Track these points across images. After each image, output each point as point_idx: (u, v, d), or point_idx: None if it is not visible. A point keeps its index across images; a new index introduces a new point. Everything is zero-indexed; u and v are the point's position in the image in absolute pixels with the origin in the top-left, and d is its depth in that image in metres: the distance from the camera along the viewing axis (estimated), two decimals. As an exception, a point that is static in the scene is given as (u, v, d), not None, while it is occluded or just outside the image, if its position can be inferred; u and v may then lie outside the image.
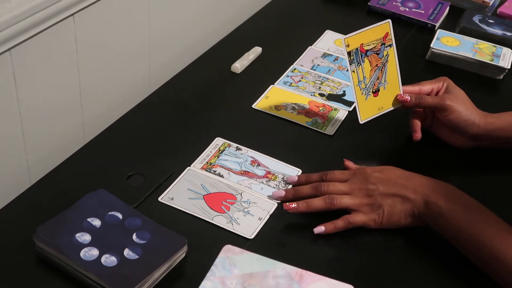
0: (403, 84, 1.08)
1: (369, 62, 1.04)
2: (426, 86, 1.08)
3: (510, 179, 1.07)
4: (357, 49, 1.03)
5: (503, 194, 1.03)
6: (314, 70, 1.28)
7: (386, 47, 1.05)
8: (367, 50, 1.03)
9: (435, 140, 1.11)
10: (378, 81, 1.05)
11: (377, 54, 1.05)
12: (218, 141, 1.07)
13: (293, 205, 0.93)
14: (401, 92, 1.07)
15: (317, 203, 0.94)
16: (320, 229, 0.92)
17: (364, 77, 1.04)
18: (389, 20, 1.05)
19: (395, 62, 1.07)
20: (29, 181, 1.06)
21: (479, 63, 1.31)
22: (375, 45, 1.04)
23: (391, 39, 1.05)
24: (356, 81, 1.04)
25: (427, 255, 0.93)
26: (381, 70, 1.05)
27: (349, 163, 1.02)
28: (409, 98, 1.05)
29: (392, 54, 1.06)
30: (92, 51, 1.10)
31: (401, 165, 0.99)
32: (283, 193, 0.96)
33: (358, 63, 1.03)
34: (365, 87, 1.04)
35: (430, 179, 0.93)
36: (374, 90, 1.06)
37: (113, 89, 1.20)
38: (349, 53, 1.02)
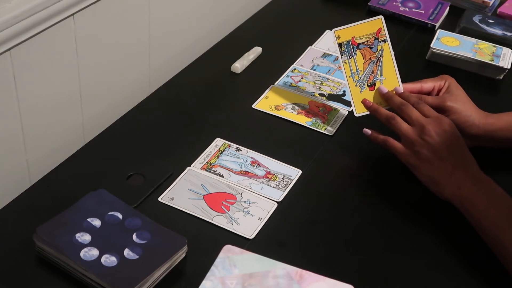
0: (403, 82, 1.08)
1: (362, 55, 1.07)
2: (428, 84, 1.08)
3: (510, 178, 1.07)
4: (348, 41, 1.06)
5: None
6: (314, 70, 1.28)
7: (380, 42, 1.07)
8: (359, 43, 1.06)
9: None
10: (373, 75, 1.07)
11: (371, 48, 1.07)
12: (218, 142, 1.07)
13: (370, 103, 1.05)
14: (401, 87, 1.07)
15: (383, 112, 1.02)
16: (367, 131, 1.04)
17: (357, 69, 1.06)
18: (381, 16, 1.07)
19: (391, 58, 1.08)
20: (29, 181, 1.06)
21: (479, 63, 1.31)
22: (367, 39, 1.07)
23: (385, 34, 1.08)
24: (349, 73, 1.06)
25: (427, 255, 0.93)
26: (376, 64, 1.07)
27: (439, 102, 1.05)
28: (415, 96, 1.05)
29: (387, 49, 1.08)
30: (92, 51, 1.10)
31: (401, 165, 1.00)
32: (385, 90, 1.06)
33: (349, 55, 1.06)
34: (359, 79, 1.06)
35: (471, 164, 0.96)
36: (369, 84, 1.07)
37: (113, 89, 1.20)
38: (340, 45, 1.05)
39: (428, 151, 0.96)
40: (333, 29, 1.05)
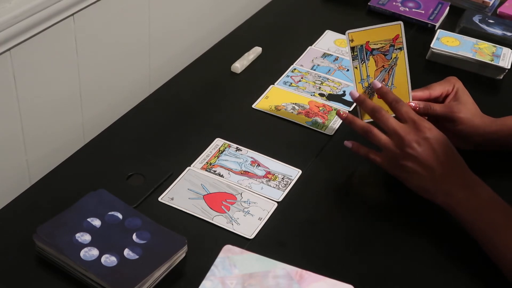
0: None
1: (375, 61, 1.02)
2: (436, 91, 1.05)
3: (510, 180, 1.07)
4: (362, 46, 1.01)
5: (504, 195, 1.03)
6: (314, 70, 1.28)
7: (396, 49, 1.02)
8: (373, 49, 1.01)
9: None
10: (384, 83, 1.03)
11: (385, 55, 1.02)
12: (218, 142, 1.07)
13: (345, 114, 1.01)
14: (411, 97, 1.04)
15: (359, 124, 0.99)
16: (348, 144, 1.01)
17: (368, 76, 1.02)
18: (401, 22, 1.02)
19: (405, 67, 1.03)
20: (29, 181, 1.06)
21: (479, 63, 1.31)
22: (383, 45, 1.02)
23: (402, 42, 1.02)
24: (359, 79, 1.02)
25: (427, 255, 0.93)
26: (388, 72, 1.03)
27: (414, 103, 1.03)
28: (417, 107, 1.03)
29: (402, 58, 1.03)
30: (92, 51, 1.10)
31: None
32: (357, 95, 1.01)
33: (362, 61, 1.01)
34: (368, 86, 1.03)
35: (459, 167, 0.94)
36: None
37: (113, 89, 1.20)
38: (352, 49, 1.01)
39: (412, 163, 0.94)
40: (347, 31, 1.00)
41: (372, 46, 1.01)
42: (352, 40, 1.00)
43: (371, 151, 0.99)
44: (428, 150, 0.93)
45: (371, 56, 1.02)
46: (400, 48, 1.03)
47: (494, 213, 0.90)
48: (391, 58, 1.03)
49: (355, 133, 1.05)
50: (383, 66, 1.03)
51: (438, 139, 0.94)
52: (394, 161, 0.96)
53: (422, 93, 1.05)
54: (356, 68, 1.02)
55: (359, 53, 1.01)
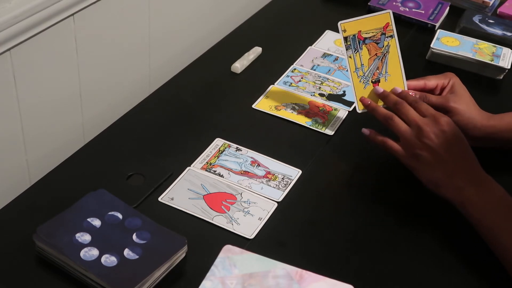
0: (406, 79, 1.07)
1: (368, 50, 1.05)
2: (432, 81, 1.07)
3: (510, 179, 1.07)
4: (354, 35, 1.03)
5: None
6: (314, 70, 1.28)
7: (387, 37, 1.05)
8: (365, 38, 1.04)
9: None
10: (378, 71, 1.05)
11: (377, 43, 1.05)
12: (218, 142, 1.07)
13: (369, 101, 1.04)
14: (406, 86, 1.06)
15: (381, 112, 1.01)
16: (366, 131, 1.03)
17: (362, 65, 1.04)
18: (390, 10, 1.05)
19: (397, 54, 1.06)
20: (29, 181, 1.06)
21: (479, 63, 1.31)
22: (374, 34, 1.04)
23: (392, 30, 1.05)
24: (353, 68, 1.04)
25: (427, 255, 0.93)
26: (381, 60, 1.05)
27: (433, 98, 1.05)
28: (413, 96, 1.04)
29: (393, 45, 1.06)
30: (92, 51, 1.10)
31: (400, 165, 0.99)
32: (381, 90, 1.04)
33: (355, 50, 1.04)
34: (363, 75, 1.05)
35: (472, 164, 0.95)
36: (373, 80, 1.05)
37: (113, 89, 1.20)
38: (345, 39, 1.03)
39: (428, 153, 0.95)
40: (339, 22, 1.03)
41: (364, 35, 1.04)
42: (344, 30, 1.03)
43: (388, 139, 1.00)
44: (444, 143, 0.94)
45: (363, 45, 1.04)
46: (391, 36, 1.06)
47: (504, 212, 0.90)
48: (383, 46, 1.05)
49: (354, 134, 1.05)
50: (376, 54, 1.05)
51: (455, 134, 0.96)
52: (411, 149, 0.96)
53: (417, 82, 1.07)
54: (350, 57, 1.04)
55: (352, 42, 1.03)
